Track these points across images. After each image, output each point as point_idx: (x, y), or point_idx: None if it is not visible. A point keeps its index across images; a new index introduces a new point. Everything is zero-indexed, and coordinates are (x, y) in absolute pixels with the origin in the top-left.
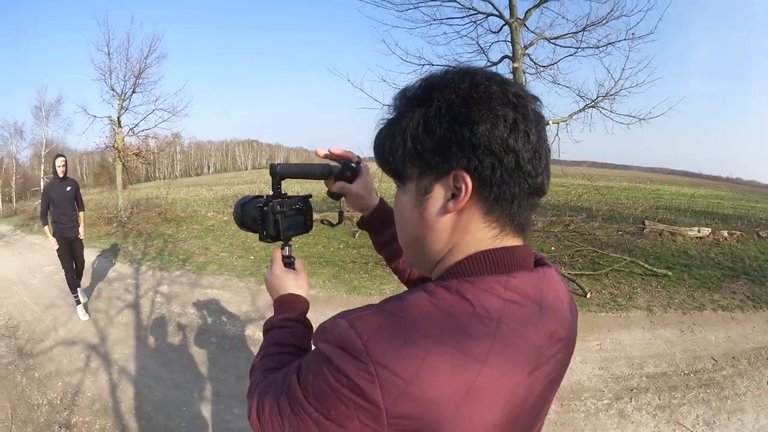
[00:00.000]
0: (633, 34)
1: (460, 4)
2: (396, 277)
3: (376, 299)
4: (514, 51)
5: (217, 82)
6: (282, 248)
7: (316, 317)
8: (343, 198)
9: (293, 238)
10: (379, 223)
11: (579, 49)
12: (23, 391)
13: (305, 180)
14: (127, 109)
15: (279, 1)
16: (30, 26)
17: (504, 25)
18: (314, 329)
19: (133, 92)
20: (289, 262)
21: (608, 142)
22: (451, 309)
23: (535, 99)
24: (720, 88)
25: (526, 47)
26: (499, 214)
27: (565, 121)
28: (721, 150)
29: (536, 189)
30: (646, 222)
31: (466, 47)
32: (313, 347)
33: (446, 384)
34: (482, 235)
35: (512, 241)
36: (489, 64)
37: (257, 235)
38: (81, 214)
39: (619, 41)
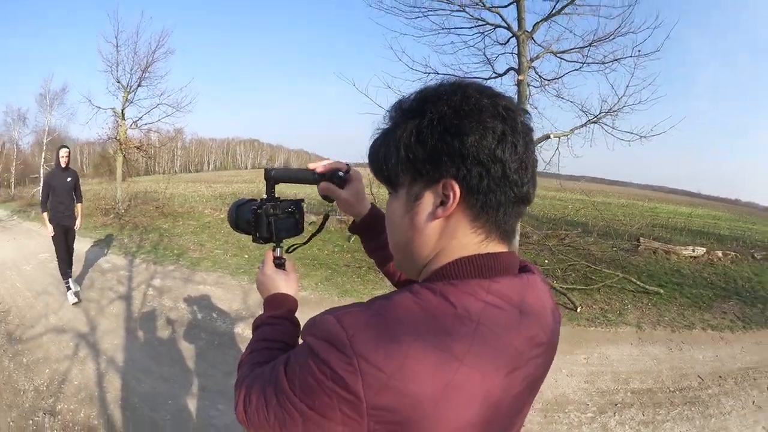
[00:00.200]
0: (639, 51)
1: (469, 14)
2: (388, 282)
3: None
4: (520, 63)
5: (221, 80)
6: (274, 249)
7: (307, 318)
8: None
9: (285, 240)
10: (369, 228)
11: (584, 64)
12: (10, 375)
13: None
14: (131, 102)
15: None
16: (39, 15)
17: (511, 37)
18: (303, 326)
19: (139, 85)
20: (280, 263)
21: (608, 158)
22: (434, 310)
23: (524, 112)
24: (723, 110)
25: (532, 60)
26: (486, 221)
27: (567, 135)
28: (721, 171)
29: (522, 197)
30: (641, 239)
31: (472, 57)
32: (301, 341)
33: (425, 380)
34: (468, 240)
35: (497, 247)
36: (494, 75)
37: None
38: (78, 205)
39: (625, 58)
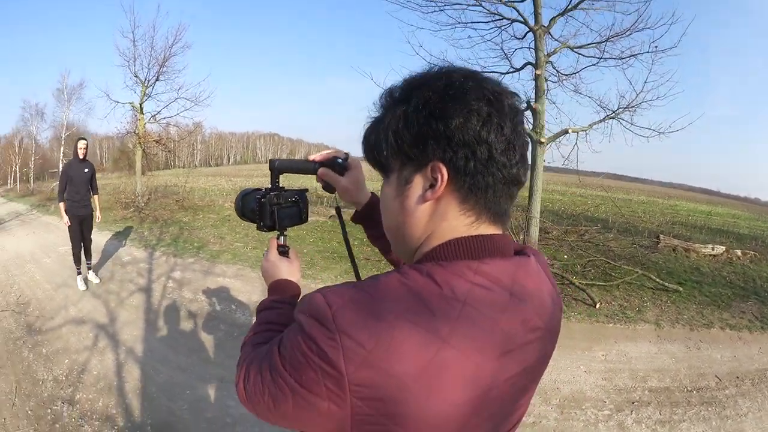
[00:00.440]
0: (656, 47)
1: (485, 8)
2: None
3: None
4: (537, 58)
5: (241, 75)
6: (278, 238)
7: None
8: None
9: (289, 229)
10: (370, 217)
11: (602, 60)
12: (29, 366)
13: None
14: (149, 96)
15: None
16: (56, 10)
17: (528, 31)
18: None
19: (157, 80)
20: (283, 251)
21: (628, 155)
22: (420, 289)
23: (513, 95)
24: (744, 110)
25: (549, 55)
26: (475, 203)
27: (585, 130)
28: (741, 170)
29: (511, 179)
30: (661, 236)
31: (489, 52)
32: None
33: (408, 358)
34: (458, 222)
35: (488, 229)
36: (512, 69)
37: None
38: (96, 197)
39: (642, 53)
